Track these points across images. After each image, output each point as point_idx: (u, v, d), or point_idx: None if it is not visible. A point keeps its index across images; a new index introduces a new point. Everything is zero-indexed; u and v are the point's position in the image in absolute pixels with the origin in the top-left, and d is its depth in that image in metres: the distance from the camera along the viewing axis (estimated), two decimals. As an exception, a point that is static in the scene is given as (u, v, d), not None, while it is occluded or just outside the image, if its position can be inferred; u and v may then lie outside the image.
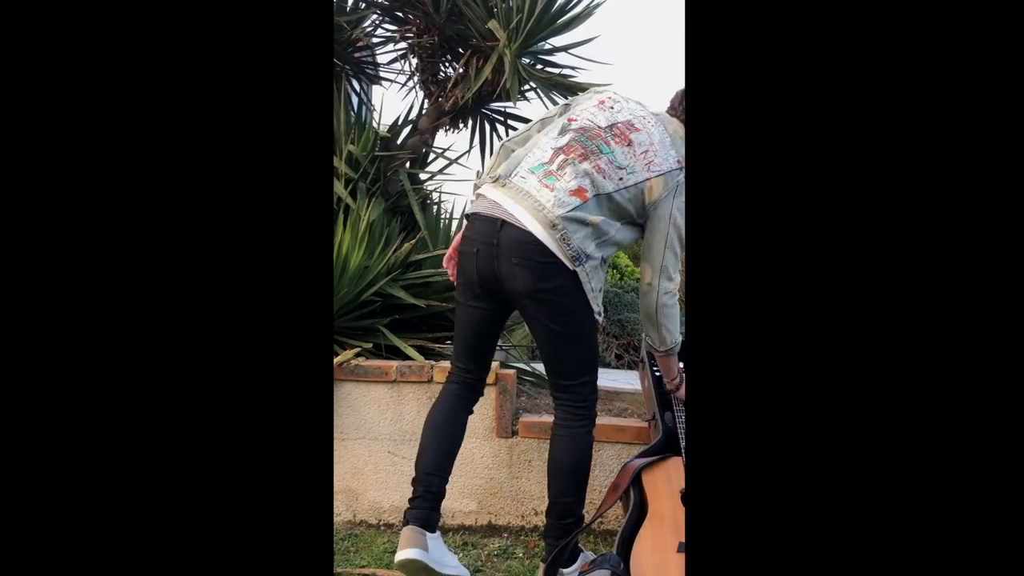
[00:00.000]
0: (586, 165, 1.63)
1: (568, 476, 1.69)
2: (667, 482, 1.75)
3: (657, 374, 1.96)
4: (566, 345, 1.66)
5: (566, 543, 1.66)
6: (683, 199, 1.67)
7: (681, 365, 1.86)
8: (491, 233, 1.60)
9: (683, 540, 1.58)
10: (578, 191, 1.61)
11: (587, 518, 1.76)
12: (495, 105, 3.15)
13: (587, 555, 1.74)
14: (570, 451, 1.68)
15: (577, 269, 1.58)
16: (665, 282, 1.69)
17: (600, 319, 1.67)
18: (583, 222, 1.59)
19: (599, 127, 1.70)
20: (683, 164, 1.69)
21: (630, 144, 1.67)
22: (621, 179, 1.64)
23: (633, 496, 1.75)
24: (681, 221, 1.68)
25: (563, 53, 2.93)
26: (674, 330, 1.73)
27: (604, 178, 1.63)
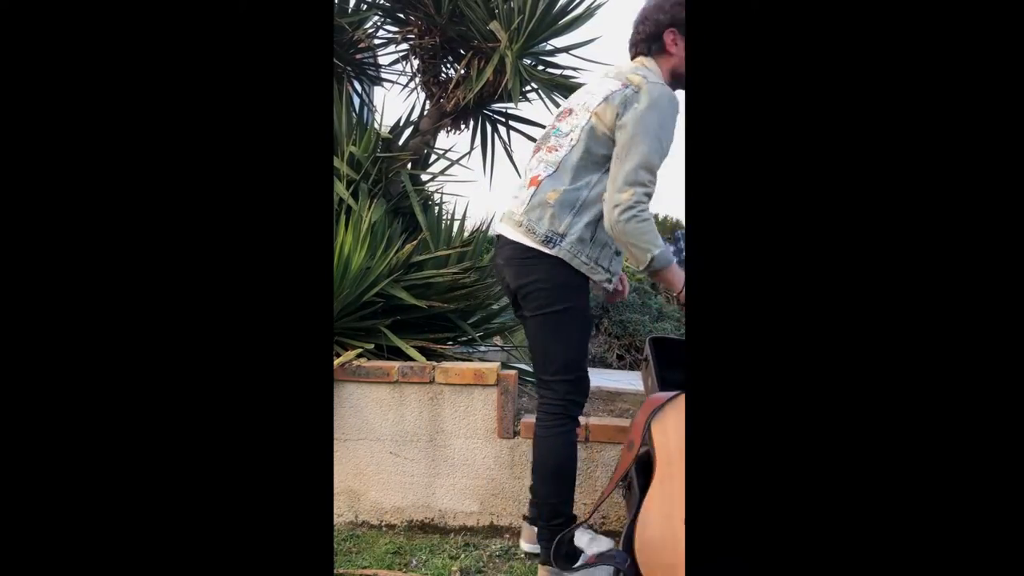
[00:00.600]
0: (539, 155, 1.75)
1: (552, 478, 1.69)
2: (678, 427, 1.57)
3: (660, 374, 1.96)
4: (546, 339, 1.70)
5: (562, 536, 1.67)
6: (639, 107, 1.57)
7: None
8: (495, 253, 1.81)
9: None
10: (531, 181, 1.72)
11: (581, 516, 1.76)
12: (497, 106, 3.16)
13: (596, 537, 1.77)
14: (553, 452, 1.68)
15: (555, 251, 1.63)
16: (616, 193, 1.56)
17: (610, 286, 1.72)
18: (544, 204, 1.66)
19: (553, 123, 1.80)
20: (629, 83, 1.62)
21: (571, 112, 1.73)
22: (571, 139, 1.68)
23: (636, 492, 1.74)
24: (635, 129, 1.57)
25: (564, 54, 2.94)
26: (645, 246, 1.55)
27: (554, 152, 1.70)
